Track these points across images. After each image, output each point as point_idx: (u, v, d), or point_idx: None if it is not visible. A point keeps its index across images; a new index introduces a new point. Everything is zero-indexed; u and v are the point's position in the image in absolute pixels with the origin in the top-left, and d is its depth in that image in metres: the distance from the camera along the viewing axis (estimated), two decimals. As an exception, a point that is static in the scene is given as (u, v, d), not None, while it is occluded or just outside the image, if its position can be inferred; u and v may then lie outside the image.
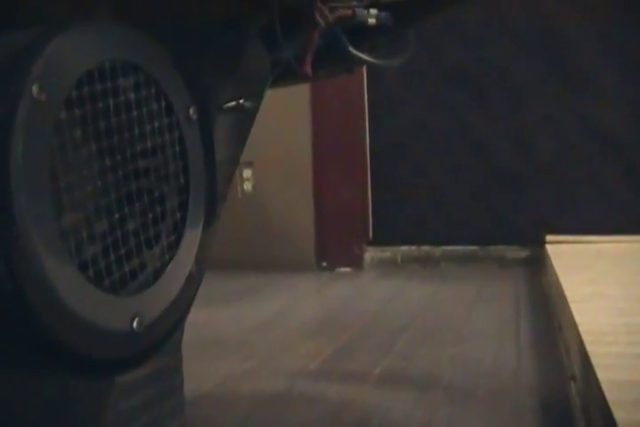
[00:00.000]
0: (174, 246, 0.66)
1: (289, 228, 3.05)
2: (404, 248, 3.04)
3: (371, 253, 3.05)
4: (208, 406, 1.36)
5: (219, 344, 1.82)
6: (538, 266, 2.82)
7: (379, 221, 3.07)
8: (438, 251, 3.01)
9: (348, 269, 3.01)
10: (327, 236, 3.04)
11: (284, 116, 2.96)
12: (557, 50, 2.93)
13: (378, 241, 3.06)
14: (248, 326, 2.03)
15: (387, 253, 3.04)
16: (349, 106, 3.08)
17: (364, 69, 3.01)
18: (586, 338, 1.34)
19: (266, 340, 1.88)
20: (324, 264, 3.02)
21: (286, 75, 1.09)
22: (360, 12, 0.86)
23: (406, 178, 3.06)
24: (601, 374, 1.11)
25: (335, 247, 3.03)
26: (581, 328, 1.41)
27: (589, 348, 1.27)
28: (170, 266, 0.65)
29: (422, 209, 3.04)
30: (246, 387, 1.48)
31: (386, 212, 3.06)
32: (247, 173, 3.06)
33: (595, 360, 1.19)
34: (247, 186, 3.08)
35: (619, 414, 0.94)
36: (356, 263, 3.02)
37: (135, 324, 0.60)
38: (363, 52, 0.93)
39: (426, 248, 3.02)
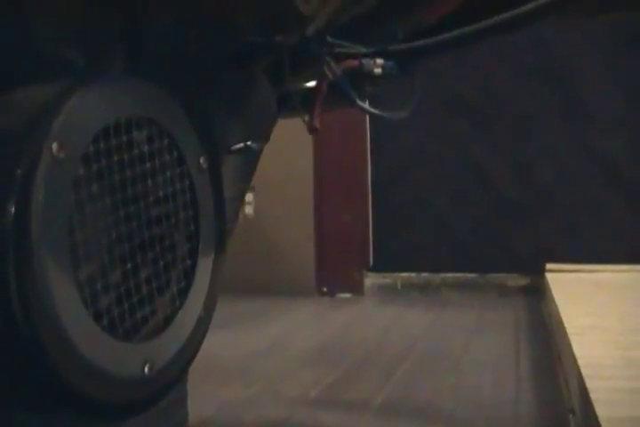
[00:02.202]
0: (184, 293, 0.68)
1: (289, 252, 3.07)
2: (404, 275, 3.06)
3: (371, 279, 3.07)
4: (210, 432, 1.38)
5: (219, 370, 1.84)
6: (538, 294, 2.84)
7: (379, 247, 3.09)
8: (438, 278, 3.02)
9: (348, 295, 3.02)
10: (328, 261, 3.06)
11: (287, 141, 2.97)
12: (560, 79, 2.96)
13: (378, 267, 3.07)
14: (248, 352, 2.05)
15: (387, 279, 3.06)
16: (351, 132, 3.11)
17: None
18: (585, 372, 1.35)
19: (266, 366, 1.90)
20: (325, 289, 3.04)
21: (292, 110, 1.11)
22: (367, 62, 0.89)
23: (407, 205, 3.08)
24: (600, 410, 1.13)
25: (335, 273, 3.04)
26: (580, 362, 1.42)
27: (588, 382, 1.28)
28: (180, 312, 0.67)
29: (422, 236, 3.06)
30: (247, 414, 1.49)
31: (386, 238, 3.08)
32: (248, 196, 3.08)
33: (594, 395, 1.20)
34: (248, 210, 3.10)
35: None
36: (357, 289, 3.04)
37: (146, 369, 0.62)
38: (367, 97, 0.96)
39: (426, 275, 3.04)
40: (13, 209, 0.54)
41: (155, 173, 0.67)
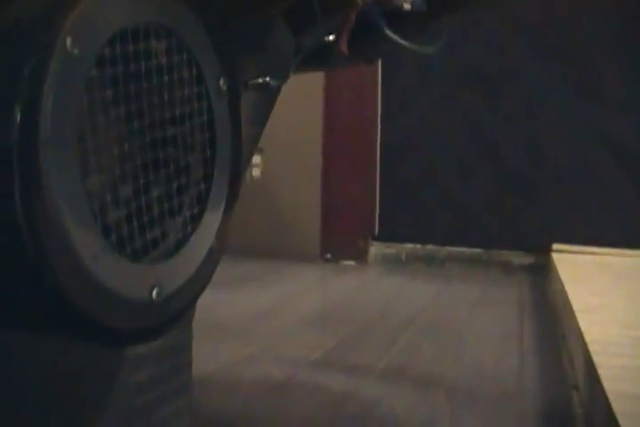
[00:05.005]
0: (197, 218, 0.64)
1: (295, 217, 3.03)
2: (409, 246, 3.02)
3: (375, 249, 3.03)
4: (209, 388, 1.35)
5: (219, 328, 1.81)
6: (542, 273, 2.80)
7: (385, 217, 3.05)
8: (443, 251, 2.99)
9: (352, 263, 2.99)
10: (333, 228, 3.02)
11: (297, 105, 2.93)
12: (573, 56, 2.90)
13: (383, 237, 3.04)
14: (249, 312, 2.02)
15: (391, 249, 3.02)
16: (362, 101, 3.06)
17: (380, 66, 2.99)
18: (592, 348, 1.32)
19: (267, 327, 1.87)
20: (329, 256, 3.01)
21: (310, 60, 1.07)
22: (397, -4, 0.85)
23: (415, 176, 3.04)
24: (607, 386, 1.10)
25: (340, 240, 3.01)
26: (587, 338, 1.40)
27: (595, 358, 1.25)
28: (192, 238, 0.63)
29: (429, 208, 3.02)
30: (247, 373, 1.47)
31: (393, 208, 3.05)
32: (256, 158, 3.04)
33: (601, 371, 1.18)
34: (256, 172, 3.06)
35: (626, 426, 0.93)
36: (361, 257, 3.00)
37: (154, 294, 0.58)
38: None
39: (430, 247, 3.00)
40: (21, 108, 0.49)
41: (172, 89, 0.62)
